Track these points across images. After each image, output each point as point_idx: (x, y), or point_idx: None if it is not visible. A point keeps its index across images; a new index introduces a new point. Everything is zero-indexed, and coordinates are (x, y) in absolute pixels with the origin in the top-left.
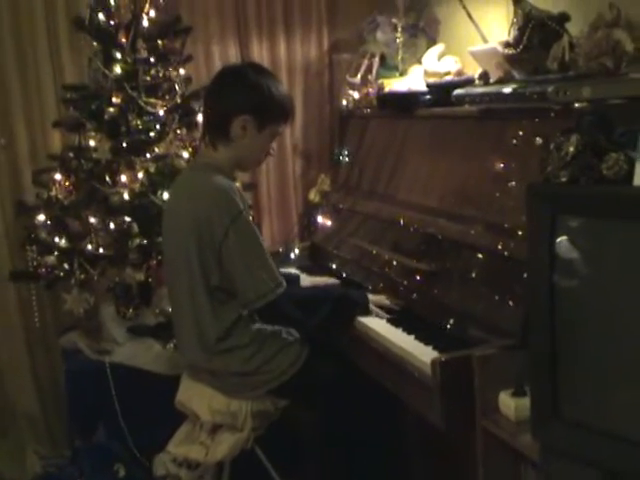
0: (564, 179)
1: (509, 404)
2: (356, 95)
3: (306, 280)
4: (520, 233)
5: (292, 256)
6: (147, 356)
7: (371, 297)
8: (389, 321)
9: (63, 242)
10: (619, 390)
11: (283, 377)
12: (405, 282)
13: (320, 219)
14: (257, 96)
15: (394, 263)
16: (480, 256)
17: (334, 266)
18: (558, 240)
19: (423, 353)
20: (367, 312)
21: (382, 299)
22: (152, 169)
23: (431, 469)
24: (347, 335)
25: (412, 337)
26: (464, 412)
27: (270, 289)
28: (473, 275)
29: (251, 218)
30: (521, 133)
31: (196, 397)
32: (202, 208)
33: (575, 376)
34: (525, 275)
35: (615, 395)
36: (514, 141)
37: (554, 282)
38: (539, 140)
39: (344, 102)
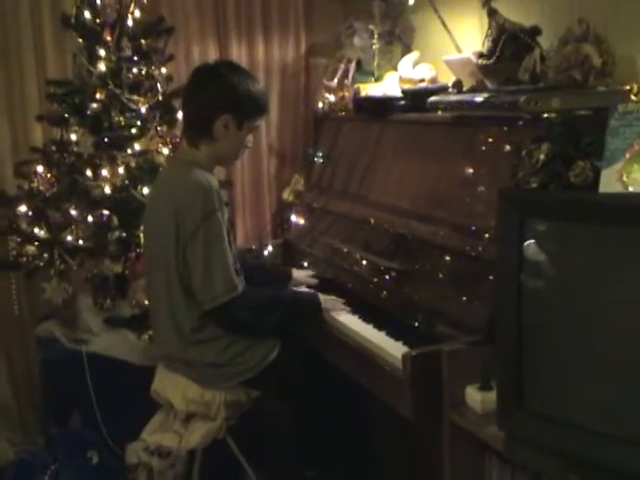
0: (534, 185)
1: (475, 397)
2: (332, 98)
3: (300, 274)
4: (487, 235)
5: (265, 253)
6: (122, 346)
7: (323, 298)
8: (360, 317)
9: (43, 233)
10: (579, 383)
11: (256, 369)
12: (376, 280)
13: (293, 218)
14: (235, 95)
15: (365, 262)
16: (448, 256)
17: (306, 264)
18: (527, 242)
19: (394, 348)
20: (319, 313)
21: (334, 300)
22: (133, 164)
23: (399, 460)
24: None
25: (383, 333)
26: (433, 405)
27: (221, 292)
28: (441, 275)
29: (227, 216)
30: (491, 140)
31: (171, 387)
32: (180, 202)
33: (539, 370)
34: (491, 275)
35: (575, 388)
36: (484, 147)
37: (521, 282)
38: (508, 147)
39: (320, 105)
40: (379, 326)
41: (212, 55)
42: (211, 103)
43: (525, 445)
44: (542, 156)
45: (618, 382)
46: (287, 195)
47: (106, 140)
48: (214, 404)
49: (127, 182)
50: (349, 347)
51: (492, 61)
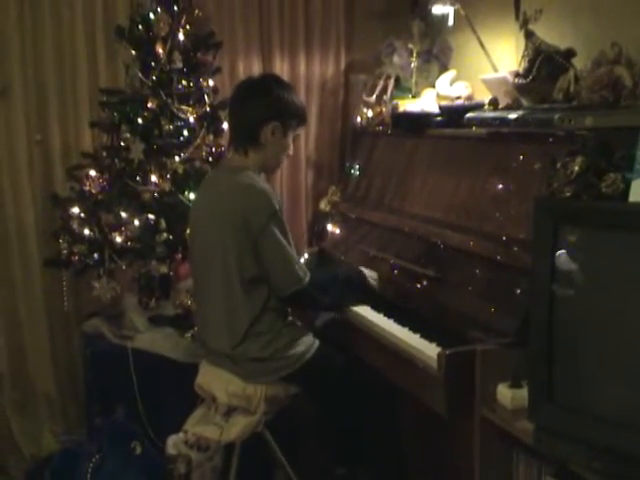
0: (568, 194)
1: (506, 394)
2: (370, 113)
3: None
4: (517, 244)
5: (301, 260)
6: (166, 344)
7: (367, 272)
8: (396, 321)
9: (94, 233)
10: (604, 380)
11: (295, 364)
12: (409, 286)
13: (329, 227)
14: (281, 104)
15: (399, 269)
16: (480, 264)
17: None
18: (560, 248)
19: (428, 348)
20: (366, 283)
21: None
22: (180, 170)
23: (428, 458)
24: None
25: (417, 335)
26: (465, 401)
27: (301, 276)
28: (473, 281)
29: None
30: (524, 155)
31: (215, 381)
32: (240, 206)
33: (568, 368)
34: (520, 282)
35: (600, 384)
36: (517, 162)
37: (554, 286)
38: (540, 163)
39: (358, 119)
40: (414, 329)
41: (256, 69)
42: (259, 112)
43: (553, 436)
44: (576, 168)
45: None
46: (324, 205)
47: (155, 147)
48: (255, 398)
49: (174, 188)
50: (385, 348)
51: (528, 80)
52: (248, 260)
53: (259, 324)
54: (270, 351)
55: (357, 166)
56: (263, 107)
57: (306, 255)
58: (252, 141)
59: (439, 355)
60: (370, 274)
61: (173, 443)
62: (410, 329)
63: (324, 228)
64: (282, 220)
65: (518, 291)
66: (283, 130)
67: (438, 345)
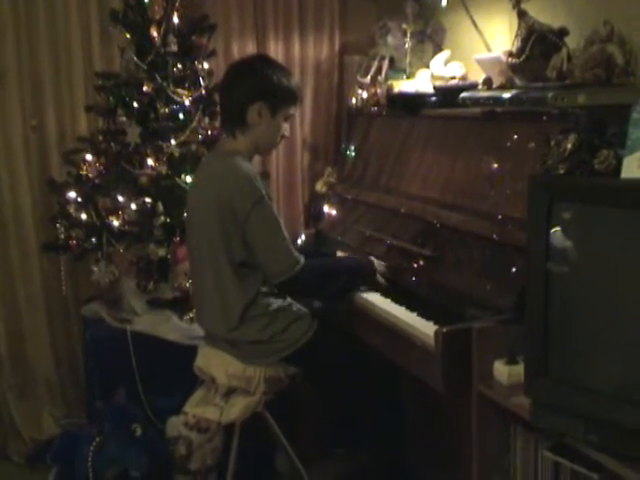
0: (562, 171)
1: (502, 370)
2: (365, 94)
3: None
4: (512, 223)
5: (298, 242)
6: (165, 326)
7: (377, 264)
8: (393, 300)
9: (91, 218)
10: (599, 354)
11: (294, 346)
12: (406, 266)
13: (326, 208)
14: (267, 83)
15: (396, 248)
16: (476, 243)
17: (338, 253)
18: (554, 225)
19: (426, 327)
20: (375, 277)
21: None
22: (176, 154)
23: (429, 431)
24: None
25: (415, 314)
26: (462, 378)
27: (288, 267)
28: (469, 260)
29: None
30: (518, 134)
31: (214, 363)
32: (226, 191)
33: (563, 343)
34: (516, 260)
35: (594, 358)
36: (512, 141)
37: (549, 263)
38: (534, 141)
39: (353, 100)
40: (411, 308)
41: (250, 51)
42: (244, 92)
43: (549, 410)
44: (569, 145)
45: (635, 354)
46: (320, 187)
47: (152, 131)
48: (254, 379)
49: (170, 171)
50: (383, 327)
51: (521, 60)
52: (236, 244)
53: (255, 307)
54: (269, 333)
55: (353, 147)
56: (248, 87)
57: (303, 237)
58: (240, 123)
59: (436, 333)
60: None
61: (173, 425)
62: (407, 308)
63: (321, 209)
64: (268, 205)
65: (514, 269)
66: (271, 110)
67: (435, 323)
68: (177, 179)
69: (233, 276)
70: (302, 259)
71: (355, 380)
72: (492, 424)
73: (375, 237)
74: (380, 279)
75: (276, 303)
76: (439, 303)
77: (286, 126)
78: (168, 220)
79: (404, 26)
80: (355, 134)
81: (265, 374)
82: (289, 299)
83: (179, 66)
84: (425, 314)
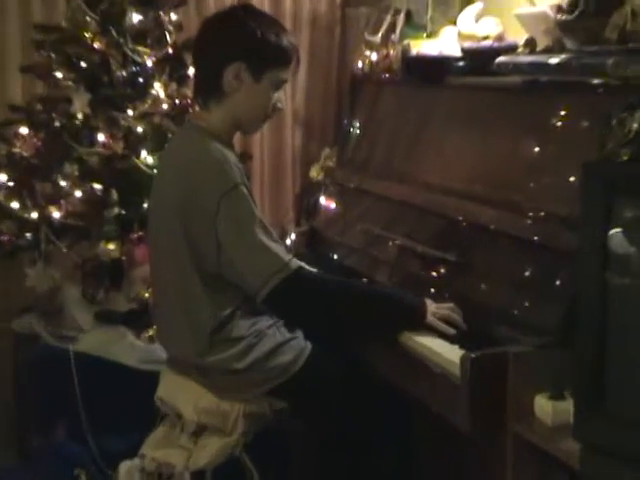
0: (625, 158)
1: (545, 407)
2: (374, 57)
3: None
4: (558, 222)
5: (287, 242)
6: (118, 346)
7: (433, 306)
8: None
9: (26, 207)
10: None
11: (282, 377)
12: (423, 274)
13: (322, 200)
14: (249, 39)
15: (410, 252)
16: (512, 246)
17: (336, 256)
18: (615, 226)
19: (449, 351)
20: (421, 323)
21: (448, 310)
22: (136, 128)
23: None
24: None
25: (434, 335)
26: (494, 415)
27: (270, 273)
28: (504, 267)
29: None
30: (569, 110)
31: (181, 394)
32: (191, 182)
33: (623, 374)
34: (564, 268)
35: None
36: (560, 119)
37: (607, 275)
38: (589, 119)
39: (359, 64)
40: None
41: (230, 1)
42: (220, 49)
43: (605, 458)
44: (635, 125)
45: None
46: (315, 173)
47: (104, 99)
48: (231, 416)
49: (128, 150)
50: (394, 350)
51: (573, 17)
52: (208, 250)
53: (230, 328)
54: (248, 362)
55: (358, 123)
56: (225, 44)
57: (293, 236)
58: (214, 90)
59: (462, 359)
60: (441, 311)
61: (127, 471)
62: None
63: (316, 202)
64: (242, 196)
65: (560, 280)
66: (253, 73)
67: (461, 347)
68: (136, 160)
69: (203, 288)
70: (297, 264)
71: (358, 415)
72: (531, 473)
73: (384, 237)
74: (437, 324)
75: (260, 322)
76: (465, 321)
77: (278, 95)
78: (123, 212)
79: None
80: (361, 107)
81: (245, 410)
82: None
83: (140, 17)
84: (448, 335)
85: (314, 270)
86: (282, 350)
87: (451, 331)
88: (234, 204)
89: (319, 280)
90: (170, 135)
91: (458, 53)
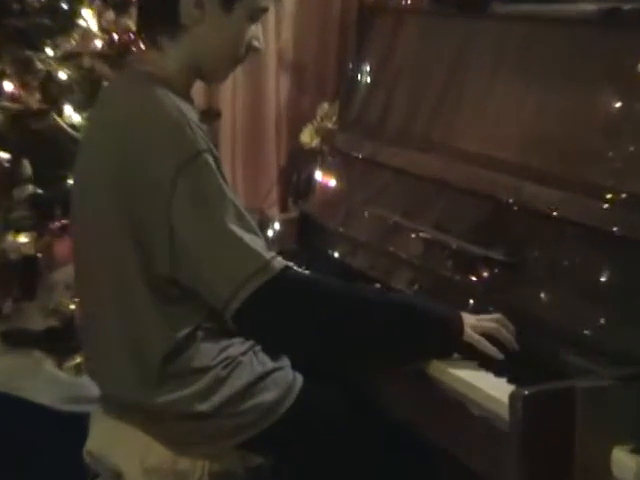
0: None
1: (628, 464)
2: None
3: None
4: None
5: (269, 234)
6: (31, 379)
7: (472, 319)
8: None
9: None
10: None
11: (261, 423)
12: (460, 278)
13: (318, 175)
14: None
15: (441, 248)
16: (583, 240)
17: (337, 253)
18: None
19: (492, 385)
20: (455, 343)
21: (494, 323)
22: (57, 75)
23: None
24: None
25: (474, 363)
26: (554, 474)
27: (247, 277)
28: (571, 269)
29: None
30: None
31: (120, 446)
32: (133, 148)
33: None
34: None
35: None
36: None
37: None
38: None
39: None
40: (464, 352)
41: None
42: None
43: None
44: None
45: None
46: (308, 137)
47: (13, 32)
48: (191, 477)
49: (46, 104)
50: (417, 384)
51: None
52: (155, 245)
53: (190, 355)
54: (216, 402)
55: (367, 69)
56: None
57: (277, 226)
58: (167, 22)
59: (512, 396)
60: (485, 324)
61: None
62: (458, 352)
63: (309, 178)
64: (209, 170)
65: None
66: (221, 0)
67: (510, 381)
68: (57, 118)
69: (150, 298)
70: (282, 263)
71: (367, 473)
72: None
73: (405, 228)
74: (481, 341)
75: (232, 347)
76: (517, 343)
77: (255, 30)
78: (40, 191)
79: None
80: (371, 46)
81: (210, 469)
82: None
83: None
84: (492, 364)
85: (306, 272)
86: (262, 385)
87: (499, 354)
88: (196, 180)
89: (313, 285)
90: (105, 84)
91: None
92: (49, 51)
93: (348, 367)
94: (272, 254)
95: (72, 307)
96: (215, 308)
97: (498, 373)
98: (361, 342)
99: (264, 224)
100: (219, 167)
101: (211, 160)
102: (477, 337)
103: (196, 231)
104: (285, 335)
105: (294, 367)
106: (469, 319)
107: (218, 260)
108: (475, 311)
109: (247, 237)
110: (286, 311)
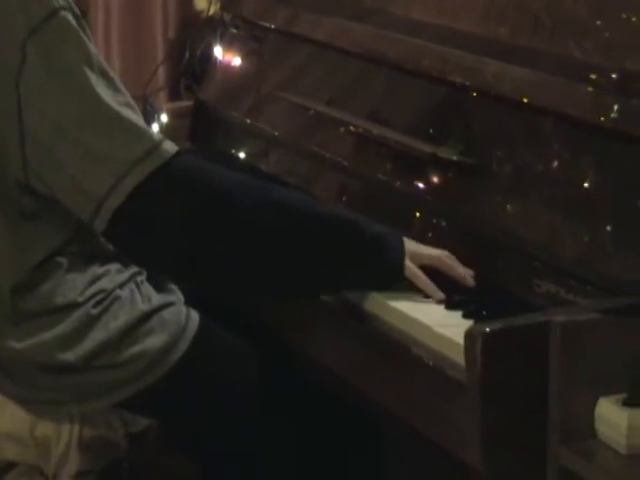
0: None
1: (617, 419)
2: None
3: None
4: None
5: (155, 128)
6: None
7: (410, 243)
8: None
9: None
10: None
11: (145, 377)
12: (400, 184)
13: (217, 52)
14: None
15: (379, 145)
16: (562, 133)
17: (243, 153)
18: None
19: (444, 322)
20: (395, 274)
21: (443, 258)
22: None
23: None
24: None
25: (420, 294)
26: (525, 435)
27: (129, 163)
28: (549, 174)
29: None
30: None
31: None
32: None
33: None
34: None
35: None
36: None
37: None
38: None
39: None
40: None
41: None
42: None
43: None
44: None
45: None
46: (204, 2)
47: None
48: (57, 446)
49: None
50: (350, 322)
51: None
52: (5, 138)
53: (51, 287)
54: (86, 350)
55: None
56: None
57: (164, 117)
58: None
59: (469, 335)
60: (428, 252)
61: None
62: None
63: (205, 55)
64: (70, 31)
65: None
66: None
67: (466, 315)
68: None
69: None
70: (173, 148)
71: (282, 442)
72: None
73: (331, 119)
74: (420, 278)
75: (106, 276)
76: (474, 270)
77: None
78: None
79: None
80: None
81: (80, 435)
82: (136, 268)
83: None
84: (446, 293)
85: (202, 160)
86: (147, 327)
87: (439, 294)
88: (54, 44)
89: (212, 177)
90: None
91: None
92: None
93: (253, 294)
94: (161, 136)
95: None
96: (83, 218)
97: (450, 306)
98: (271, 257)
99: (148, 116)
100: (85, 30)
101: (71, 19)
102: (416, 270)
103: (58, 108)
104: (176, 243)
105: (188, 302)
106: (409, 244)
107: (90, 144)
108: (419, 231)
109: (127, 112)
110: (177, 208)
